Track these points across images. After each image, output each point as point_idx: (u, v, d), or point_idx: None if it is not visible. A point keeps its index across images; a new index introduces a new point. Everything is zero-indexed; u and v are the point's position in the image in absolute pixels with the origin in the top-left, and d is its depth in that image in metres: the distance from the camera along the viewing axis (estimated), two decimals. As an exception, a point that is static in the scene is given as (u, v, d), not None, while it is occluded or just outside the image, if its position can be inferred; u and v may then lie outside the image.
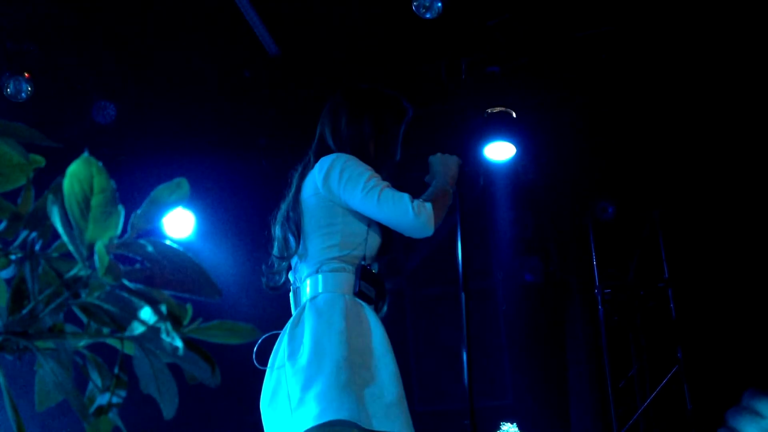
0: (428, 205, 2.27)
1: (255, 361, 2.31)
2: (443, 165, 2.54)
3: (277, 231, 2.47)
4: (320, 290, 2.28)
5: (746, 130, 5.23)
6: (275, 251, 2.47)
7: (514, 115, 4.90)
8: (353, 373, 2.12)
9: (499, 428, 4.32)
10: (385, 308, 2.46)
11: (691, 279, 5.55)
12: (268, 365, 2.30)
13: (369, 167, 2.34)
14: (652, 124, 5.41)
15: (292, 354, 2.20)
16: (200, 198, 5.76)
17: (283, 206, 2.46)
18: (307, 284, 2.32)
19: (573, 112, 5.52)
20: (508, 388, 6.00)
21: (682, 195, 5.58)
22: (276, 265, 2.47)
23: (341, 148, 2.44)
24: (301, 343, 2.19)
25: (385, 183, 2.31)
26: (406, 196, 2.27)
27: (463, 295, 2.62)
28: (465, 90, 5.23)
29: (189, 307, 0.82)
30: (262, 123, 5.68)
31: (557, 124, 5.60)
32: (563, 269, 5.98)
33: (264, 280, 2.50)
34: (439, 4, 4.33)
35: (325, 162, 2.35)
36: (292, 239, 2.38)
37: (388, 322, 2.47)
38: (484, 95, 5.23)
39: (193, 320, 0.83)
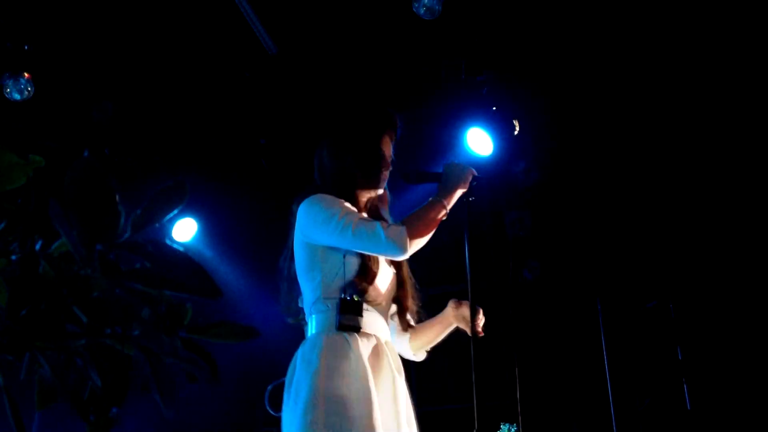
0: (402, 229, 2.31)
1: (268, 408, 2.45)
2: (453, 176, 2.48)
3: (282, 274, 2.61)
4: (310, 333, 2.40)
5: (746, 129, 5.23)
6: (281, 297, 2.60)
7: (517, 131, 4.96)
8: (322, 411, 2.20)
9: (499, 428, 4.31)
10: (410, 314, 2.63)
11: (691, 279, 5.54)
12: None
13: (339, 203, 2.39)
14: (651, 124, 5.40)
15: (285, 401, 2.35)
16: (199, 197, 5.75)
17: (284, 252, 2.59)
18: (306, 327, 2.45)
19: (573, 112, 5.52)
20: (508, 388, 5.99)
21: (682, 195, 5.57)
22: (287, 311, 2.59)
23: (325, 183, 2.53)
24: (289, 390, 2.35)
25: (357, 216, 2.35)
26: (377, 226, 2.31)
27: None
28: (465, 90, 5.22)
29: (189, 307, 0.82)
30: (262, 123, 5.68)
31: (557, 123, 5.59)
32: (563, 269, 5.97)
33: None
34: (439, 5, 4.33)
35: (298, 210, 2.45)
36: (287, 286, 2.54)
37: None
38: (482, 95, 5.22)
39: (192, 320, 0.82)
